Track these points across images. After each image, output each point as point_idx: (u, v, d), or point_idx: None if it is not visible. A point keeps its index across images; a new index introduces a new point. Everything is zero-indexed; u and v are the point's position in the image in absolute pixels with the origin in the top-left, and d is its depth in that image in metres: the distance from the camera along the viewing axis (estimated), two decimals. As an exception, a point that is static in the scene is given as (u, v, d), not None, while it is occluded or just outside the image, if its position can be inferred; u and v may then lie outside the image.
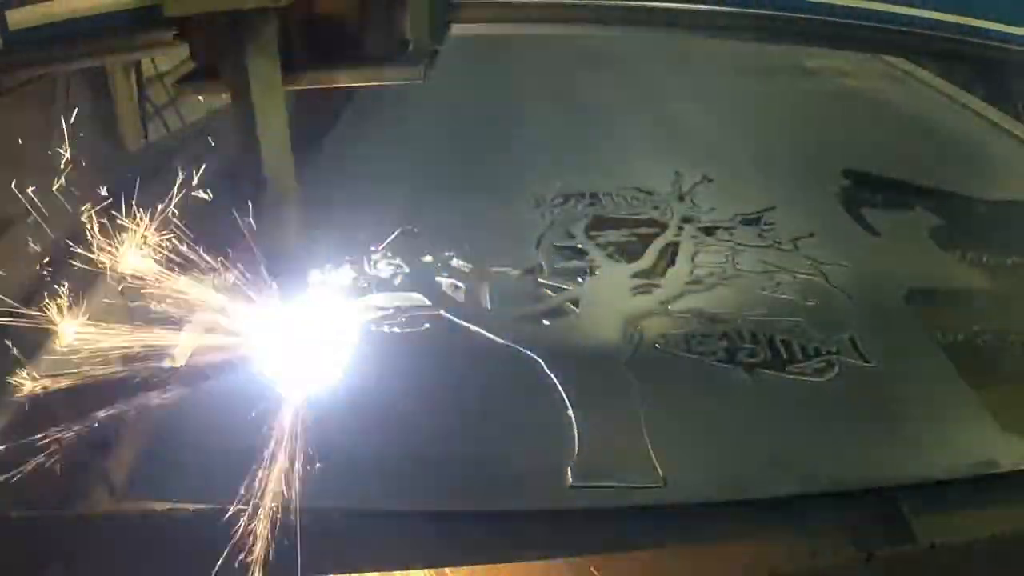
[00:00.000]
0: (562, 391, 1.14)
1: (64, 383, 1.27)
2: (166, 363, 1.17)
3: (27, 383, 1.16)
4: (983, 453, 1.06)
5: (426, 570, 1.04)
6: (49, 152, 1.58)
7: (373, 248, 1.48)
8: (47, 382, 1.16)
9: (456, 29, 1.22)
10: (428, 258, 1.46)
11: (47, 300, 1.32)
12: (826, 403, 1.15)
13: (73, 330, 1.27)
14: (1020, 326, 1.37)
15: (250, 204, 0.97)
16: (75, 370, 1.26)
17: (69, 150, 1.49)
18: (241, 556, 1.00)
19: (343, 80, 1.06)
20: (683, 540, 1.06)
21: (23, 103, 1.58)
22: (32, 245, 1.43)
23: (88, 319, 1.29)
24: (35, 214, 1.47)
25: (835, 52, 3.07)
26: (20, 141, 1.55)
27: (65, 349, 1.24)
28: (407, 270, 1.43)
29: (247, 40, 0.86)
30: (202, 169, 1.29)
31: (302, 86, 1.00)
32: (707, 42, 3.19)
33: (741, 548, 1.06)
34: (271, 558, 1.00)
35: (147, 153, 2.08)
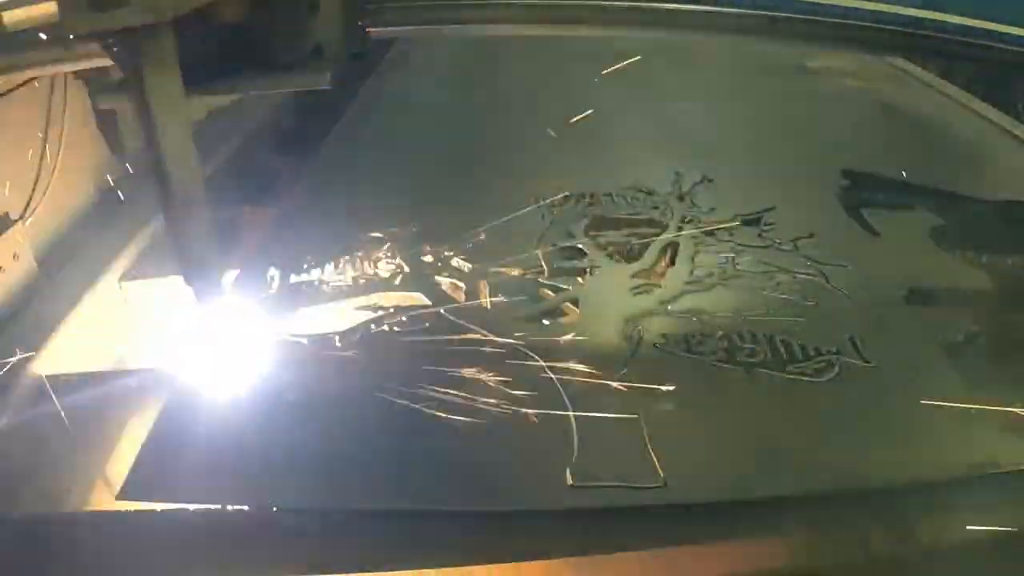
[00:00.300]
0: (562, 391, 1.14)
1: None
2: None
3: None
4: (983, 453, 1.06)
5: (426, 570, 1.04)
6: (48, 150, 1.61)
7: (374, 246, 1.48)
8: None
9: (452, 30, 1.23)
10: (428, 258, 1.46)
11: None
12: (826, 403, 1.15)
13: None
14: (1020, 326, 1.37)
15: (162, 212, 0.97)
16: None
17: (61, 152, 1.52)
18: (241, 556, 1.00)
19: (251, 87, 1.06)
20: (683, 540, 1.06)
21: (21, 102, 1.58)
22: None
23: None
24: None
25: (835, 52, 3.09)
26: (17, 139, 1.58)
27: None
28: (407, 270, 1.43)
29: (143, 54, 0.85)
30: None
31: (211, 95, 1.02)
32: (707, 42, 3.19)
33: (741, 548, 1.06)
34: (271, 558, 1.00)
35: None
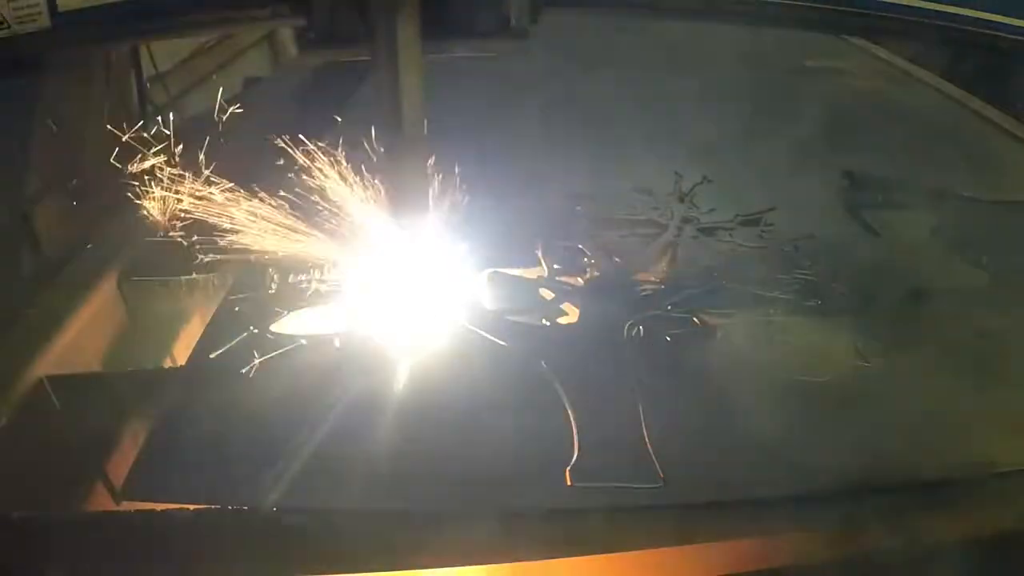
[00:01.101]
0: (562, 391, 1.14)
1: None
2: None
3: None
4: (983, 453, 1.06)
5: (426, 570, 1.04)
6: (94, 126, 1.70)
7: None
8: None
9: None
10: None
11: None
12: (826, 403, 1.15)
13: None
14: (1020, 326, 1.37)
15: (384, 152, 1.17)
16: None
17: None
18: (241, 556, 1.00)
19: (458, 50, 1.23)
20: (683, 540, 1.06)
21: (68, 80, 1.70)
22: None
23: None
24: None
25: (834, 51, 3.09)
26: (65, 114, 1.66)
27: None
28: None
29: (399, 9, 1.04)
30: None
31: (426, 52, 1.14)
32: (707, 42, 3.20)
33: (741, 548, 1.06)
34: (271, 558, 1.00)
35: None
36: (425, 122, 1.16)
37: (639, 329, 1.27)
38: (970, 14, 1.20)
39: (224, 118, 1.60)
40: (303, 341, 1.26)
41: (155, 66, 2.35)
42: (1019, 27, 1.19)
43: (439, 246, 1.32)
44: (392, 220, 1.22)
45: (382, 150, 1.18)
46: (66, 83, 1.73)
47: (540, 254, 1.48)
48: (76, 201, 1.69)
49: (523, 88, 2.53)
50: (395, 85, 1.09)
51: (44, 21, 1.32)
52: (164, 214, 1.46)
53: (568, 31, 3.28)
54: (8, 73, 1.52)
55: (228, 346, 1.23)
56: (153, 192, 1.46)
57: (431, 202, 1.22)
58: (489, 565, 1.06)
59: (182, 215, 1.40)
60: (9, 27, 1.36)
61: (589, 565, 1.06)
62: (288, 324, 1.29)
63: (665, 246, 1.51)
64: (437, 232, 1.31)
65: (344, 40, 1.13)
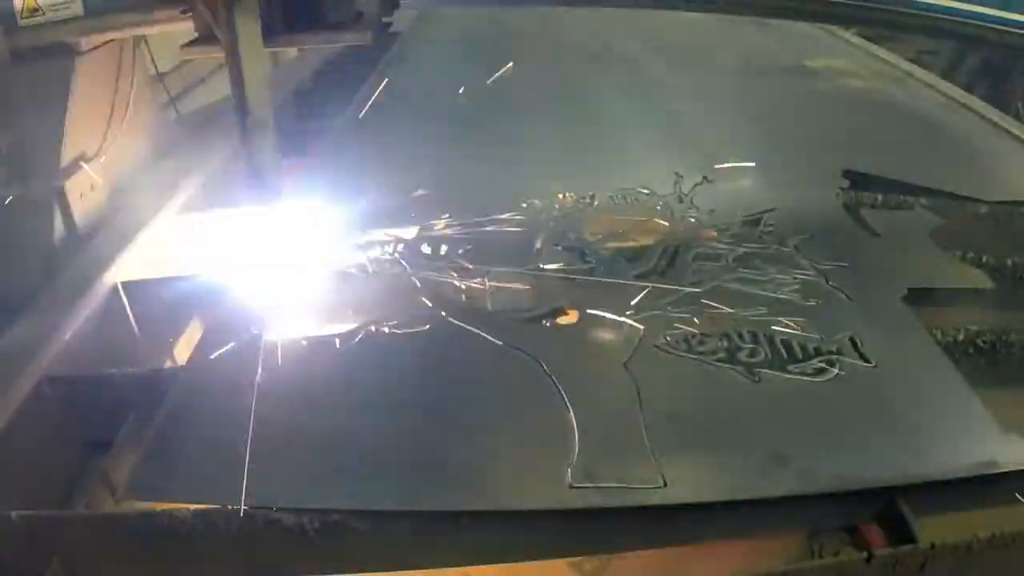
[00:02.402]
0: (562, 391, 1.14)
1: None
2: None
3: None
4: (983, 453, 1.06)
5: (426, 570, 1.04)
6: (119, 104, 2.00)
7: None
8: None
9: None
10: (427, 249, 1.47)
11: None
12: (826, 403, 1.15)
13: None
14: (1020, 326, 1.37)
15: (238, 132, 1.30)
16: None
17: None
18: (241, 556, 1.00)
19: (308, 42, 1.41)
20: (683, 540, 1.06)
21: (99, 61, 1.94)
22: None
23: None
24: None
25: (834, 51, 3.09)
26: (95, 95, 1.92)
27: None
28: (408, 268, 1.43)
29: (236, 13, 1.21)
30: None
31: (277, 47, 1.34)
32: (707, 42, 3.20)
33: (741, 548, 1.06)
34: (271, 558, 1.00)
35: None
36: (269, 108, 1.31)
37: (639, 329, 1.27)
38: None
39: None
40: (303, 342, 1.26)
41: (156, 66, 2.41)
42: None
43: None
44: (248, 197, 1.37)
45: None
46: (96, 65, 1.93)
47: (540, 254, 1.48)
48: (103, 176, 1.93)
49: (523, 87, 2.53)
50: (239, 75, 1.26)
51: (77, 9, 1.63)
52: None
53: (568, 30, 3.28)
54: (43, 57, 1.75)
55: (228, 346, 1.23)
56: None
57: (280, 178, 1.36)
58: (489, 565, 1.06)
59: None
60: (44, 14, 1.64)
61: (589, 565, 1.06)
62: (287, 325, 1.29)
63: (666, 246, 1.50)
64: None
65: (210, 39, 1.32)
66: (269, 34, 1.29)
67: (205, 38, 1.34)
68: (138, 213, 1.85)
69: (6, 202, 1.65)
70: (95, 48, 1.89)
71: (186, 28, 1.42)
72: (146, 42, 2.25)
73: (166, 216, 1.86)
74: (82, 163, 1.86)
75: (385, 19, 1.45)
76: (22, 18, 1.63)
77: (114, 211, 1.89)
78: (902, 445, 1.09)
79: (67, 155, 1.83)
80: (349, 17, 1.36)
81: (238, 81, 1.26)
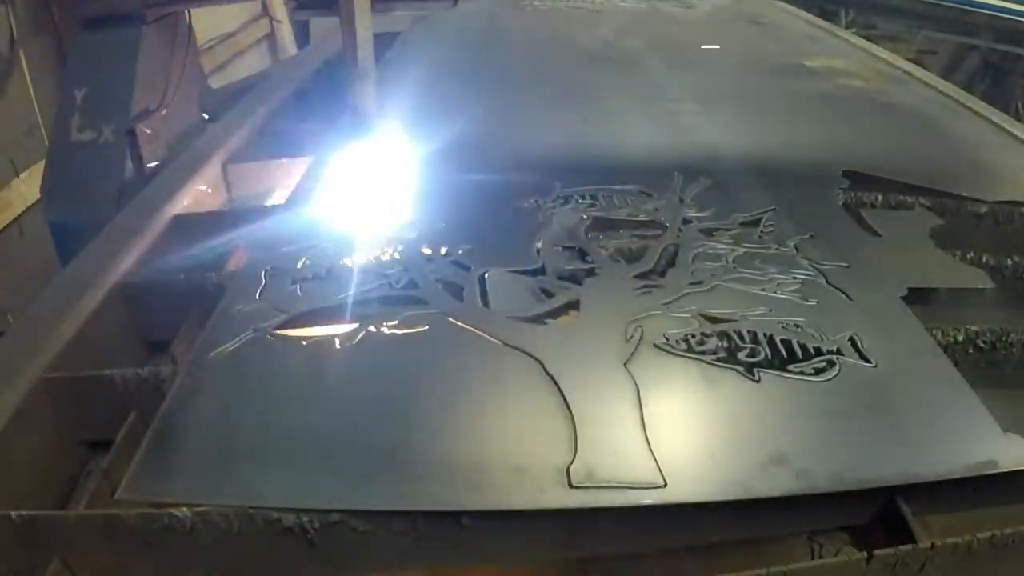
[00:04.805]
0: (562, 391, 1.14)
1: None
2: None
3: None
4: (983, 453, 1.06)
5: (426, 570, 1.04)
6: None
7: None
8: None
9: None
10: (427, 251, 1.47)
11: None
12: (826, 403, 1.15)
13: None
14: (1020, 326, 1.37)
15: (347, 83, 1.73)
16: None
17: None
18: (241, 556, 1.00)
19: (398, 8, 2.09)
20: (683, 540, 1.06)
21: (160, 30, 2.37)
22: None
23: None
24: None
25: (834, 51, 3.09)
26: (155, 57, 2.35)
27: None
28: (408, 268, 1.43)
29: None
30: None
31: (375, 11, 1.78)
32: (707, 42, 3.20)
33: (742, 548, 1.06)
34: (271, 558, 1.00)
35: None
36: (373, 60, 1.78)
37: (639, 329, 1.27)
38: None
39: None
40: (303, 342, 1.26)
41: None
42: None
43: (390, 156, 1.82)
44: (352, 133, 1.80)
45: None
46: (157, 35, 2.34)
47: (540, 255, 1.48)
48: (165, 124, 2.36)
49: (522, 87, 2.54)
50: (353, 33, 1.73)
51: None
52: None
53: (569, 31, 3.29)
54: (114, 25, 2.18)
55: (228, 346, 1.23)
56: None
57: (379, 119, 1.79)
58: (489, 565, 1.06)
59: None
60: None
61: (589, 566, 1.06)
62: (288, 324, 1.29)
63: (665, 247, 1.50)
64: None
65: (320, 4, 1.82)
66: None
67: (308, 4, 1.94)
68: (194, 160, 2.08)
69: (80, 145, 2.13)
70: (157, 19, 2.31)
71: (213, 19, 1.67)
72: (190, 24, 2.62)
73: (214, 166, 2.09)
74: (146, 114, 2.27)
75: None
76: (95, -9, 2.01)
77: (172, 158, 2.20)
78: (902, 445, 1.09)
79: (136, 107, 2.24)
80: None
81: (351, 38, 1.73)
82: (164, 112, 2.38)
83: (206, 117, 2.76)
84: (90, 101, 2.23)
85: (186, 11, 2.50)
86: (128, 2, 2.20)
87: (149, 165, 2.27)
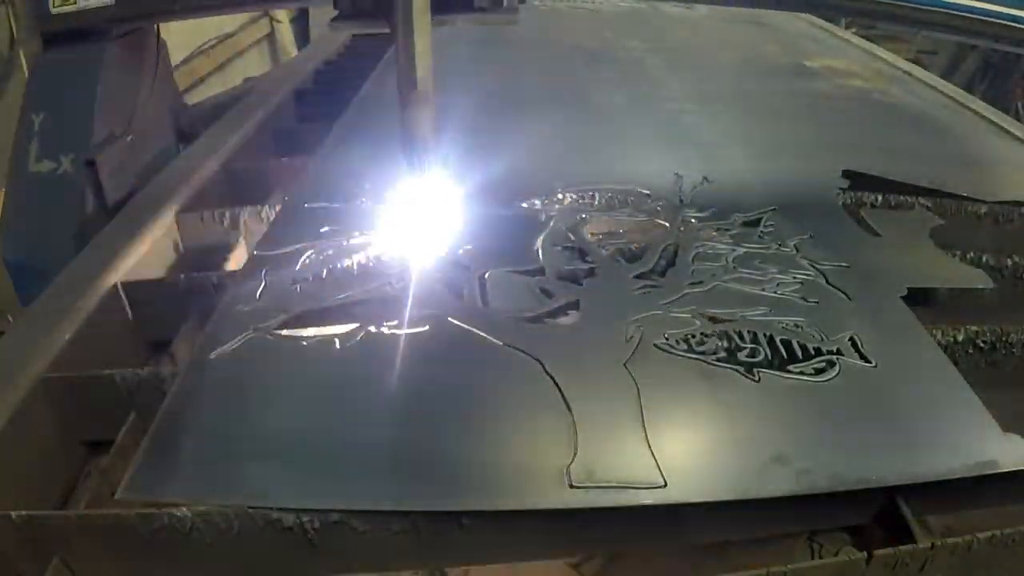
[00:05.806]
0: (562, 391, 1.14)
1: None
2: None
3: None
4: (983, 453, 1.06)
5: (426, 570, 1.04)
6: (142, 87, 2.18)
7: None
8: None
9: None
10: (427, 250, 1.47)
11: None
12: (826, 403, 1.15)
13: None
14: (1020, 326, 1.37)
15: (399, 104, 1.41)
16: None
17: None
18: (241, 556, 1.00)
19: (460, 22, 1.60)
20: (683, 540, 1.06)
21: (126, 47, 2.13)
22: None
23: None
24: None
25: (833, 50, 3.09)
26: (122, 79, 2.10)
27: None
28: (408, 267, 1.43)
29: None
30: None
31: (438, 24, 1.43)
32: (707, 42, 3.20)
33: (741, 548, 1.06)
34: (271, 558, 1.00)
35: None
36: (431, 77, 1.41)
37: (639, 329, 1.27)
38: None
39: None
40: (303, 342, 1.26)
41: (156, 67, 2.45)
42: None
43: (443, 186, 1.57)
44: (404, 162, 1.48)
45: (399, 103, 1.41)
46: (123, 52, 2.10)
47: (540, 255, 1.48)
48: (132, 151, 2.08)
49: (522, 87, 2.54)
50: (409, 47, 1.36)
51: (108, -3, 1.73)
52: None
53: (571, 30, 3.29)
54: (76, 42, 1.92)
55: (228, 346, 1.23)
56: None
57: (436, 146, 1.49)
58: (489, 565, 1.06)
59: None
60: (76, 2, 1.82)
61: (589, 565, 1.06)
62: (288, 324, 1.29)
63: (665, 247, 1.51)
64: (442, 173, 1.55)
65: (365, 14, 1.50)
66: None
67: (351, 15, 1.51)
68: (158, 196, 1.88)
69: (38, 177, 1.89)
70: (123, 35, 2.07)
71: (213, 20, 1.57)
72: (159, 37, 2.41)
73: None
74: (110, 142, 2.00)
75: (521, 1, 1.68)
76: (54, 6, 1.80)
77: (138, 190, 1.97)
78: (902, 445, 1.09)
79: (97, 134, 1.98)
80: (492, 1, 1.60)
81: (407, 55, 1.36)
82: (130, 139, 2.12)
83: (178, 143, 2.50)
84: (48, 128, 1.99)
85: (155, 25, 2.27)
86: (91, 16, 1.94)
87: (113, 198, 2.01)
